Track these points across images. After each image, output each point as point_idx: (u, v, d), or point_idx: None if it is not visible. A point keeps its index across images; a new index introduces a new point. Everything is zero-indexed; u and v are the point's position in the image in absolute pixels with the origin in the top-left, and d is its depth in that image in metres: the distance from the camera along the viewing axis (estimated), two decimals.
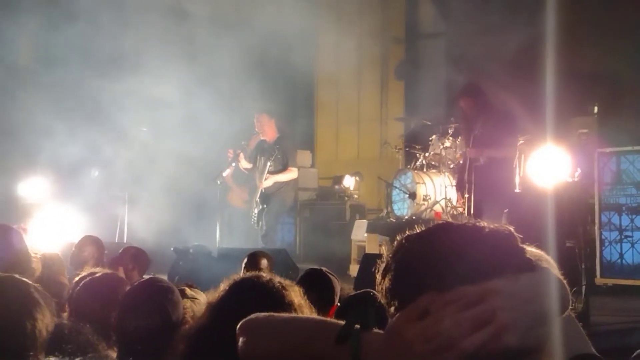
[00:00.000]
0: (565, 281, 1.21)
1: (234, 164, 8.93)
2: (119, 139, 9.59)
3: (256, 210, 8.76)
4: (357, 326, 1.18)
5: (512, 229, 1.21)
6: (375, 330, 1.18)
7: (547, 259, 1.22)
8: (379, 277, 1.25)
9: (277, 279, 2.04)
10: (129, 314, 2.65)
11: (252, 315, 1.40)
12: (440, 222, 1.26)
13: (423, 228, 1.25)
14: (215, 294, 2.07)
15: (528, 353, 1.08)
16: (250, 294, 1.97)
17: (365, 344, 1.15)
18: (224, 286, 2.05)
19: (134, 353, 2.51)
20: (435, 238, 1.21)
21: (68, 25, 9.14)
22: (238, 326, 1.40)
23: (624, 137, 8.19)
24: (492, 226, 1.20)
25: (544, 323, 1.10)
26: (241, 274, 2.19)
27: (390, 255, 1.25)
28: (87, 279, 3.20)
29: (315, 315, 1.99)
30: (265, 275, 2.08)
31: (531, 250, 1.21)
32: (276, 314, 1.40)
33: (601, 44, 9.49)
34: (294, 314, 1.38)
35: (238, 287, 2.02)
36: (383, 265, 1.25)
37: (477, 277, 1.10)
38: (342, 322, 1.22)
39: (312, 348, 1.24)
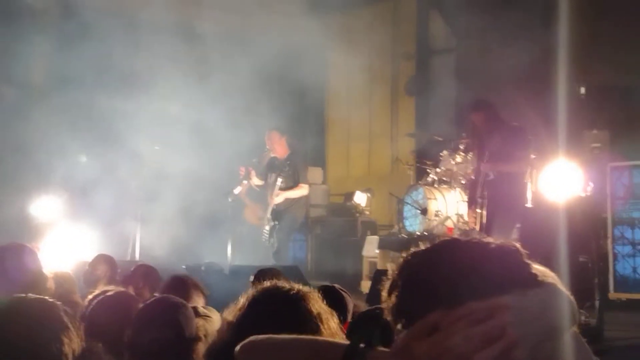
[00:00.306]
0: (572, 297, 1.21)
1: (245, 181, 8.96)
2: (132, 157, 9.64)
3: (267, 227, 8.77)
4: (362, 345, 1.18)
5: (518, 244, 1.22)
6: (381, 348, 1.18)
7: (552, 275, 1.22)
8: (384, 294, 1.25)
9: (296, 287, 2.03)
10: (143, 328, 2.67)
11: (251, 338, 1.38)
12: (446, 238, 1.26)
13: (428, 244, 1.25)
14: (234, 309, 2.05)
15: None
16: (272, 306, 1.97)
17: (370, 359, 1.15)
18: (244, 300, 2.04)
19: None
20: (442, 254, 1.21)
21: (81, 45, 9.23)
22: (237, 349, 1.38)
23: (636, 151, 8.15)
24: (498, 242, 1.21)
25: (552, 338, 1.10)
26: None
27: (397, 272, 1.24)
28: (100, 297, 3.21)
29: (335, 321, 2.00)
30: (283, 284, 2.08)
31: (537, 267, 1.21)
32: (276, 335, 1.37)
33: (613, 58, 9.48)
34: (294, 335, 1.36)
35: (260, 299, 2.01)
36: (389, 282, 1.25)
37: (485, 293, 1.10)
38: (345, 342, 1.22)
39: None
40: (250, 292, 2.04)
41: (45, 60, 10.21)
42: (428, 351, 1.07)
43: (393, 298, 1.23)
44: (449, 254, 1.21)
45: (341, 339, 1.99)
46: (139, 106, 9.41)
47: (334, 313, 2.03)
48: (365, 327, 1.21)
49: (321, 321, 1.94)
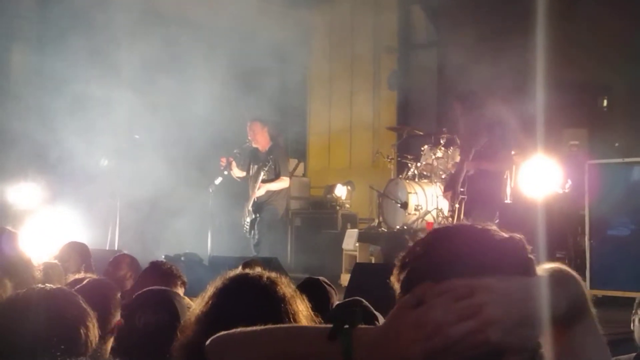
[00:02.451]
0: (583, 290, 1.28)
1: (226, 172, 8.94)
2: (111, 145, 9.58)
3: (248, 219, 8.77)
4: (346, 326, 1.21)
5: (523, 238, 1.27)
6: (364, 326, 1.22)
7: (561, 269, 1.27)
8: (395, 271, 1.29)
9: (265, 274, 2.02)
10: (138, 311, 2.66)
11: (220, 334, 1.38)
12: (464, 223, 1.33)
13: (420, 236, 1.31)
14: (203, 299, 2.03)
15: (510, 351, 1.11)
16: (242, 293, 1.95)
17: (356, 339, 1.18)
18: (212, 289, 2.02)
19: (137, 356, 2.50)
20: (450, 234, 1.28)
21: (58, 31, 9.15)
22: (207, 343, 1.37)
23: (615, 149, 8.24)
24: (507, 234, 1.27)
25: (531, 325, 1.13)
26: None
27: (409, 249, 1.30)
28: (77, 286, 3.20)
29: (306, 305, 2.00)
30: (252, 271, 2.06)
31: (549, 264, 1.27)
32: (244, 329, 1.36)
33: (592, 55, 9.56)
34: (267, 326, 1.36)
35: (228, 288, 1.99)
36: (400, 260, 1.30)
37: (472, 273, 1.15)
38: (326, 325, 1.24)
39: (296, 352, 1.26)
40: (219, 280, 2.02)
41: (23, 46, 10.11)
42: (411, 322, 1.11)
43: (402, 275, 1.27)
44: (456, 234, 1.27)
45: (314, 321, 1.99)
46: (119, 94, 9.35)
47: (305, 297, 2.02)
48: (346, 309, 1.24)
49: (293, 305, 1.94)
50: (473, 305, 1.09)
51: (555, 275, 1.25)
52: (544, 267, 1.26)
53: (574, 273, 1.29)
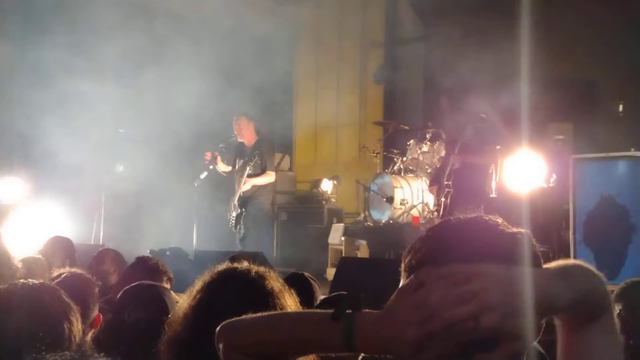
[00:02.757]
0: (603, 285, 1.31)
1: (211, 167, 8.93)
2: (96, 139, 9.52)
3: (234, 214, 8.76)
4: (349, 310, 1.24)
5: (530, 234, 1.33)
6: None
7: (578, 264, 1.29)
8: (403, 258, 1.34)
9: (254, 269, 2.02)
10: (128, 307, 2.65)
11: (228, 320, 1.40)
12: (476, 215, 1.38)
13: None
14: (190, 294, 2.02)
15: (505, 340, 1.13)
16: (230, 287, 1.94)
17: (358, 322, 1.21)
18: (200, 284, 2.01)
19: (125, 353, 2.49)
20: (459, 224, 1.34)
21: (42, 24, 9.08)
22: (217, 331, 1.39)
23: (599, 144, 8.28)
24: (515, 229, 1.33)
25: (526, 315, 1.14)
26: None
27: (418, 238, 1.35)
28: (57, 280, 3.19)
29: (295, 299, 2.00)
30: (240, 266, 2.06)
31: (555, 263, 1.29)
32: (252, 315, 1.39)
33: (577, 50, 9.61)
34: (271, 311, 1.40)
35: (216, 282, 1.98)
36: (409, 247, 1.35)
37: (472, 259, 1.18)
38: (324, 311, 1.27)
39: (302, 336, 1.29)
40: (206, 275, 2.01)
41: (5, 42, 10.02)
42: (410, 304, 1.14)
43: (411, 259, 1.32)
44: (465, 224, 1.33)
45: None
46: (104, 89, 9.30)
47: (293, 291, 2.02)
48: (349, 296, 1.27)
49: (281, 299, 1.93)
50: (470, 291, 1.10)
51: (565, 268, 1.25)
52: (564, 262, 1.28)
53: (593, 269, 1.30)
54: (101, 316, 2.90)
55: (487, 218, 1.33)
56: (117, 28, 9.29)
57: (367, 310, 1.23)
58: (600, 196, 7.51)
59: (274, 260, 9.26)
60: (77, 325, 2.08)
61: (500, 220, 1.32)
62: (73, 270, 3.46)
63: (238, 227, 8.75)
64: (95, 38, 9.53)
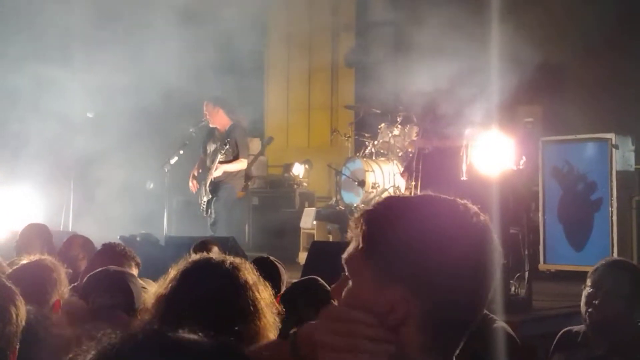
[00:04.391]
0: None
1: (181, 151, 8.85)
2: (65, 124, 9.40)
3: (205, 199, 8.71)
4: (293, 330, 1.47)
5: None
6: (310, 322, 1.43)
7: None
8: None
9: (229, 259, 2.01)
10: (93, 293, 2.63)
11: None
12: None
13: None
14: (164, 282, 2.01)
15: None
16: (205, 278, 1.93)
17: (299, 336, 1.44)
18: (174, 272, 2.00)
19: None
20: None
21: (6, 7, 8.91)
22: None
23: (568, 126, 8.37)
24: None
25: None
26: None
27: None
28: (17, 266, 3.17)
29: (269, 292, 2.00)
30: (215, 257, 2.05)
31: None
32: None
33: (547, 32, 9.66)
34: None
35: (191, 272, 1.98)
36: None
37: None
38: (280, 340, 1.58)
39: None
40: (181, 264, 2.01)
41: None
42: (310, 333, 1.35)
43: None
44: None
45: (275, 309, 2.00)
46: (72, 72, 9.17)
47: (267, 284, 2.03)
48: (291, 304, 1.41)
49: (255, 292, 1.93)
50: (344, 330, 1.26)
51: None
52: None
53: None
54: (61, 301, 2.88)
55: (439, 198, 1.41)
56: (86, 9, 9.15)
57: (307, 323, 1.44)
58: (569, 177, 7.61)
59: (245, 245, 9.26)
60: (23, 309, 2.07)
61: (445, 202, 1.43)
62: (43, 257, 3.43)
63: (209, 211, 8.71)
64: (64, 20, 9.38)
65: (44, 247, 5.22)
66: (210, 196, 8.67)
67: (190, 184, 8.92)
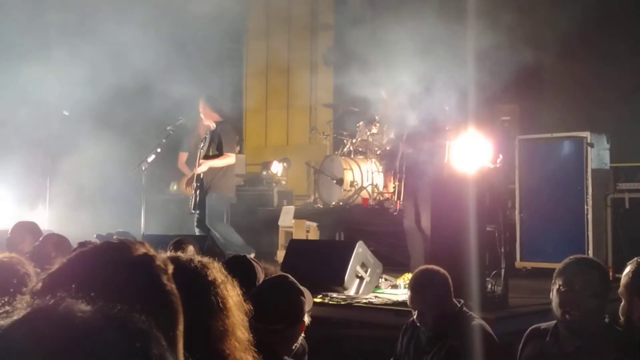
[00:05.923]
0: None
1: (159, 149, 8.78)
2: (40, 122, 9.32)
3: (193, 196, 8.54)
4: None
5: None
6: None
7: None
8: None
9: (197, 258, 2.01)
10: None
11: None
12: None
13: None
14: None
15: None
16: (172, 276, 1.92)
17: None
18: None
19: None
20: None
21: None
22: None
23: (544, 124, 8.44)
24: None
25: None
26: None
27: None
28: None
29: (237, 291, 1.99)
30: (183, 255, 2.04)
31: None
32: None
33: (524, 32, 9.73)
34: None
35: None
36: None
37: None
38: None
39: None
40: None
41: None
42: None
43: None
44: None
45: (244, 307, 1.99)
46: (48, 68, 9.08)
47: (235, 283, 2.02)
48: None
49: (221, 290, 1.93)
50: None
51: None
52: None
53: None
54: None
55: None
56: (62, 4, 9.07)
57: None
58: (545, 175, 7.68)
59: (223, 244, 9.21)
60: None
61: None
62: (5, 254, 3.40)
63: (196, 209, 8.51)
64: (39, 15, 9.30)
65: (34, 243, 5.26)
66: (197, 193, 8.47)
67: (184, 188, 8.84)
